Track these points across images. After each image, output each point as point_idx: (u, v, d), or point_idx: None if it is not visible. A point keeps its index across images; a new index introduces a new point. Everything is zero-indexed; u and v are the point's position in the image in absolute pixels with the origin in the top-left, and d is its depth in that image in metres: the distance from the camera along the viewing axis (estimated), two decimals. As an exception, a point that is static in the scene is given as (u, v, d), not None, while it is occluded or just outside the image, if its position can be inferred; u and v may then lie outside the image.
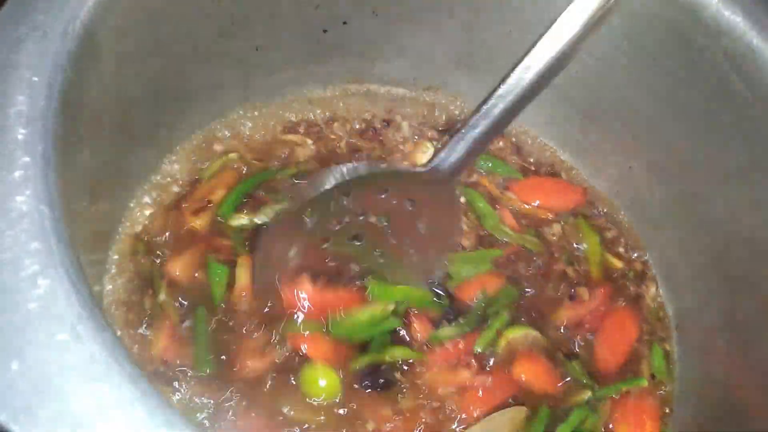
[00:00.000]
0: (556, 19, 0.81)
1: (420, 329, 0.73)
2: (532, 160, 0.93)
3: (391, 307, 0.72)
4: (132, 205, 0.75)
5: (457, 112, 0.94)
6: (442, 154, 0.77)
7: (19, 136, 0.46)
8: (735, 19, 0.68)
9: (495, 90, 0.74)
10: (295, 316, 0.71)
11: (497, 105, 0.74)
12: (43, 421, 0.39)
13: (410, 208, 0.77)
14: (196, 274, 0.73)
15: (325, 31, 0.85)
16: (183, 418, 0.41)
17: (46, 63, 0.50)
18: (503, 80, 0.73)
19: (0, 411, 0.39)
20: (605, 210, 0.91)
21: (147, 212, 0.76)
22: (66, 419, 0.39)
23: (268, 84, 0.87)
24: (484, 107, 0.75)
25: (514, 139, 0.94)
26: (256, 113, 0.87)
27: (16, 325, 0.41)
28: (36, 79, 0.49)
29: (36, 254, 0.43)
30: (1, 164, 0.45)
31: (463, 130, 0.76)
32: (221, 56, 0.79)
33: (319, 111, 0.90)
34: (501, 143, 0.92)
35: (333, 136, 0.88)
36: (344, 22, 0.84)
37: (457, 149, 0.77)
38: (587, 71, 0.84)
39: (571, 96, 0.88)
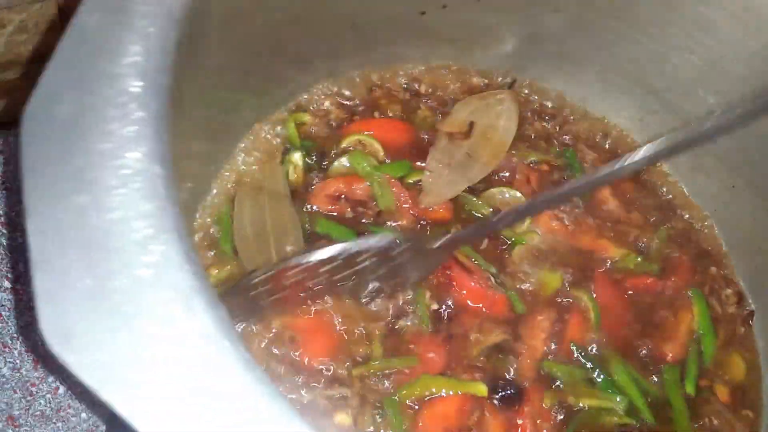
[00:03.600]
0: (671, 19, 0.77)
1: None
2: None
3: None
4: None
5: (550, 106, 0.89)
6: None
7: (133, 89, 0.43)
8: None
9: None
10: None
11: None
12: (150, 399, 0.35)
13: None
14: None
15: (423, 13, 0.80)
16: (295, 411, 0.37)
17: (162, 13, 0.47)
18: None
19: (104, 384, 0.35)
20: (698, 226, 0.86)
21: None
22: (175, 399, 0.36)
23: (357, 62, 0.84)
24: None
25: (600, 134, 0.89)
26: (342, 91, 0.84)
27: (126, 293, 0.37)
28: (151, 30, 0.45)
29: (148, 217, 0.39)
30: (114, 116, 0.42)
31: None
32: (317, 29, 0.75)
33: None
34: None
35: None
36: (444, 6, 0.80)
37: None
38: (699, 76, 0.79)
39: (674, 100, 0.83)
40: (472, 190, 0.80)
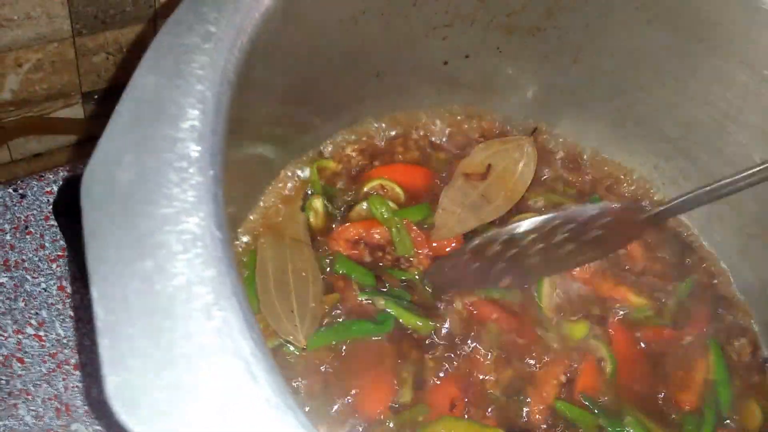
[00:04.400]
0: (688, 71, 0.78)
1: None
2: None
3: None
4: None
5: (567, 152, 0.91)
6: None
7: (193, 153, 0.44)
8: None
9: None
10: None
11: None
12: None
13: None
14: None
15: (445, 63, 0.82)
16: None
17: (217, 77, 0.48)
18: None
19: (171, 453, 0.36)
20: (713, 274, 0.87)
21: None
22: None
23: (379, 109, 0.85)
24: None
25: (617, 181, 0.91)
26: (364, 138, 0.85)
27: (191, 360, 0.38)
28: (208, 93, 0.46)
29: (210, 282, 0.40)
30: (175, 181, 0.42)
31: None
32: (343, 79, 0.76)
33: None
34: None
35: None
36: (466, 56, 0.82)
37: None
38: (716, 127, 0.80)
39: (691, 149, 0.85)
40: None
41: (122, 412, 0.36)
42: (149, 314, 0.38)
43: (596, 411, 0.73)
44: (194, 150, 0.44)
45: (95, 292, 0.39)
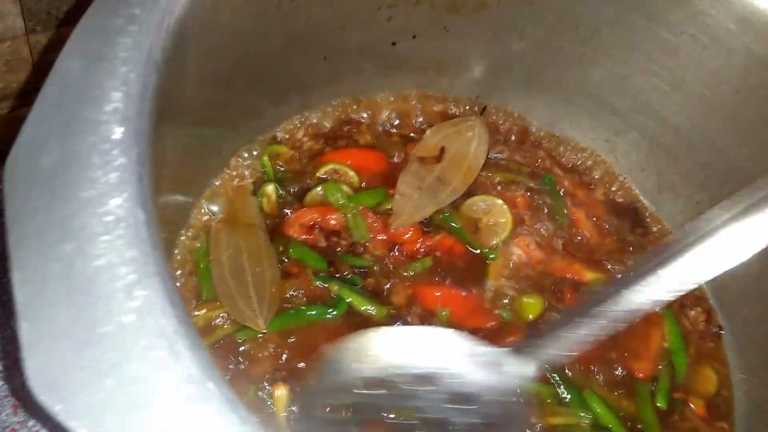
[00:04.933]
0: (633, 43, 0.79)
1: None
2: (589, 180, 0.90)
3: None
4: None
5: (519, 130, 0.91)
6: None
7: (115, 136, 0.44)
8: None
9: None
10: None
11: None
12: (140, 444, 0.36)
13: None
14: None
15: (393, 44, 0.83)
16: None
17: (142, 59, 0.47)
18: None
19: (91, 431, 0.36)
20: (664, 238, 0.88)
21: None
22: (164, 444, 0.36)
23: (330, 94, 0.85)
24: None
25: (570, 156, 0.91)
26: (316, 122, 0.85)
27: (112, 339, 0.38)
28: (132, 75, 0.46)
29: (132, 262, 0.40)
30: (97, 163, 0.42)
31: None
32: (290, 63, 0.76)
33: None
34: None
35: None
36: (414, 36, 0.82)
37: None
38: (662, 97, 0.81)
39: (640, 121, 0.86)
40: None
41: (41, 392, 0.36)
42: (69, 296, 0.38)
43: (554, 382, 0.73)
44: (117, 132, 0.44)
45: (15, 277, 0.39)
